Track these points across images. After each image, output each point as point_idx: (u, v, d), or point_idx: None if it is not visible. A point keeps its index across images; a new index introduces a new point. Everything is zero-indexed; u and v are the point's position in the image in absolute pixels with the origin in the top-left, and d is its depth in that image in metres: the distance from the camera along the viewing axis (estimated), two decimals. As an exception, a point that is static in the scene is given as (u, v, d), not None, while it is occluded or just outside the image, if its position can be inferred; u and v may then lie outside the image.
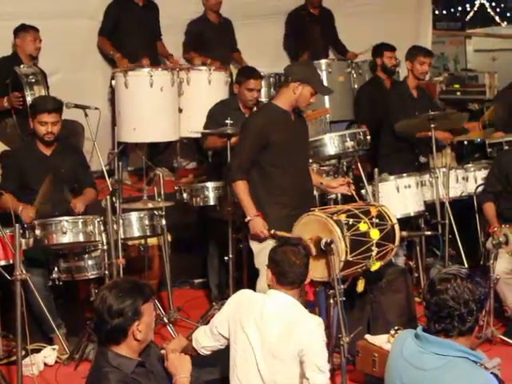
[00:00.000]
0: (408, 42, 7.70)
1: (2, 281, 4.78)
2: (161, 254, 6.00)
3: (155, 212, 5.69)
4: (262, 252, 4.83)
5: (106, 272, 5.30)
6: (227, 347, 4.02)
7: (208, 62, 7.66)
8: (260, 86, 6.37)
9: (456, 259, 6.41)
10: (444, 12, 19.72)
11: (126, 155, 7.61)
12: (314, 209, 4.89)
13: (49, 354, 5.30)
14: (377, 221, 4.81)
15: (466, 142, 7.59)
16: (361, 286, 4.92)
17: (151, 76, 6.94)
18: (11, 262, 4.91)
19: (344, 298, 4.60)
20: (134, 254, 5.95)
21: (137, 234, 5.64)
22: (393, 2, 9.46)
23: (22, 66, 6.59)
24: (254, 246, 5.06)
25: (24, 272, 4.63)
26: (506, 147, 6.80)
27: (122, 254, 5.35)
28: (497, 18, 19.25)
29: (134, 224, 5.58)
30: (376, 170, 6.20)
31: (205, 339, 4.06)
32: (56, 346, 5.37)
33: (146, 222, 5.62)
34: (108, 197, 5.29)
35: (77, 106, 6.31)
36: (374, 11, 9.21)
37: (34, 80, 6.43)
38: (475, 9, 19.40)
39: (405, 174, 6.39)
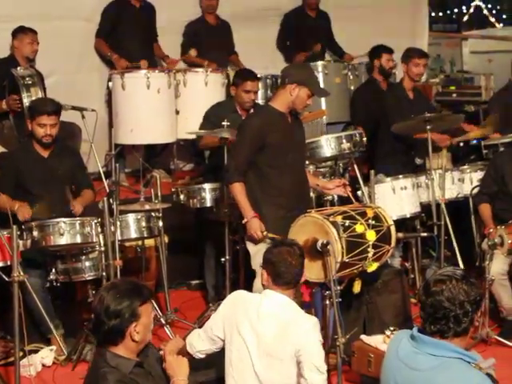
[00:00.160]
0: (404, 44, 7.69)
1: (0, 282, 4.78)
2: (158, 256, 6.00)
3: (152, 213, 5.69)
4: (258, 253, 4.82)
5: (104, 273, 5.30)
6: (223, 348, 4.01)
7: (205, 63, 7.65)
8: (257, 87, 6.38)
9: (451, 260, 6.41)
10: (440, 14, 19.78)
11: (123, 157, 7.60)
12: (311, 210, 4.91)
13: (46, 355, 5.30)
14: (373, 222, 4.82)
15: (461, 144, 7.59)
16: (357, 287, 4.94)
17: (148, 78, 6.95)
18: (9, 263, 4.89)
19: (340, 299, 4.61)
20: (131, 255, 5.94)
21: (134, 235, 5.65)
22: (389, 4, 9.45)
23: (18, 68, 6.57)
24: (251, 247, 5.08)
25: (22, 273, 4.64)
26: (502, 148, 6.80)
27: (119, 256, 5.35)
28: (493, 20, 19.31)
29: (131, 225, 5.60)
30: (372, 171, 6.21)
31: (199, 343, 4.04)
32: (54, 347, 5.37)
33: (143, 224, 5.63)
34: (105, 198, 5.29)
35: (74, 108, 6.32)
36: (371, 13, 9.19)
37: (30, 82, 6.41)
38: (471, 11, 19.46)
39: (401, 176, 6.41)
